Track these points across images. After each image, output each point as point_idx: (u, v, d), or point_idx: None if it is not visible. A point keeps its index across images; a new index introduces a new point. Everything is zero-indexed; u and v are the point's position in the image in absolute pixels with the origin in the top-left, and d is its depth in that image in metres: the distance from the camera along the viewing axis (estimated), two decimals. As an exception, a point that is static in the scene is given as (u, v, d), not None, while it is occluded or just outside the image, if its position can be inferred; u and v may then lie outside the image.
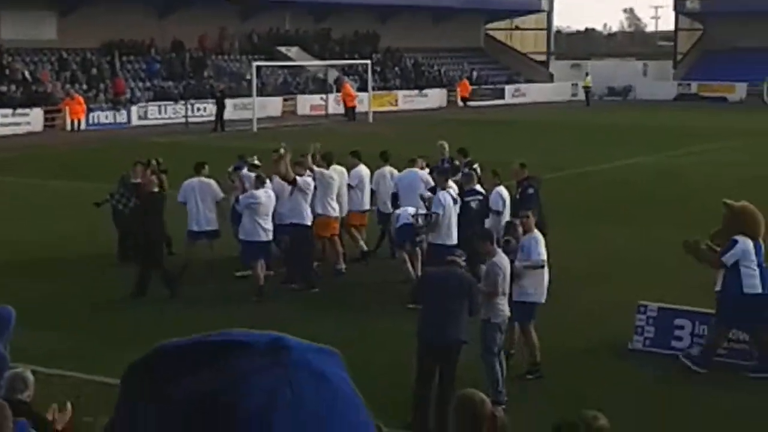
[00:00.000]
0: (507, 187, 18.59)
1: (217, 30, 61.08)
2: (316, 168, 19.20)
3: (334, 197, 19.37)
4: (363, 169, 20.60)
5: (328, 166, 19.58)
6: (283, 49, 62.98)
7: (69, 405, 7.98)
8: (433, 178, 18.81)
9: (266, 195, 18.10)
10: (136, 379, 1.26)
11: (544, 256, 14.33)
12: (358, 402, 1.28)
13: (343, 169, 20.14)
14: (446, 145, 21.92)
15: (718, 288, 14.12)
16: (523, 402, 12.35)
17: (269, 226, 18.10)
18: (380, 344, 14.97)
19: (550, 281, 14.49)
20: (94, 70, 53.18)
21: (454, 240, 17.12)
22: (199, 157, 23.59)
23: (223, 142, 30.97)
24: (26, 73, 50.49)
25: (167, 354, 1.25)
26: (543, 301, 14.21)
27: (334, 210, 19.40)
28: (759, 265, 13.95)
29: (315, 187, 18.79)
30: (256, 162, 19.75)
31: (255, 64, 52.58)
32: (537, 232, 14.66)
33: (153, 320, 16.15)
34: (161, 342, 1.27)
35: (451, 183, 18.18)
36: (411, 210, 18.04)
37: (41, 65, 52.42)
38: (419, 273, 17.55)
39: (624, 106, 68.10)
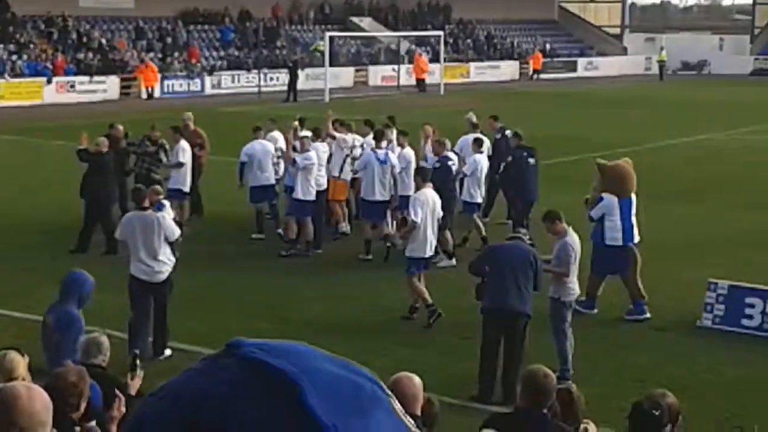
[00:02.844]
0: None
1: (289, 0, 61.19)
2: (337, 134, 20.12)
3: (349, 162, 20.13)
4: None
5: (347, 132, 20.40)
6: (355, 19, 62.98)
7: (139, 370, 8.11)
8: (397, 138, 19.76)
9: (316, 155, 18.79)
10: None
11: (418, 218, 14.95)
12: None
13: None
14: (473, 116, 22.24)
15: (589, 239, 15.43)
16: (591, 378, 12.34)
17: (315, 184, 18.81)
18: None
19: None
20: (169, 39, 53.68)
21: (378, 197, 18.64)
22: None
23: (295, 112, 31.03)
24: (103, 41, 51.11)
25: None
26: (426, 255, 15.25)
27: (348, 174, 20.16)
28: (624, 220, 15.42)
29: (330, 154, 19.79)
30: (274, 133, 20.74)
31: (328, 34, 52.61)
32: (427, 192, 15.32)
33: (225, 286, 16.40)
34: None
35: (388, 144, 19.24)
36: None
37: (118, 33, 53.03)
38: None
39: (699, 81, 67.12)
